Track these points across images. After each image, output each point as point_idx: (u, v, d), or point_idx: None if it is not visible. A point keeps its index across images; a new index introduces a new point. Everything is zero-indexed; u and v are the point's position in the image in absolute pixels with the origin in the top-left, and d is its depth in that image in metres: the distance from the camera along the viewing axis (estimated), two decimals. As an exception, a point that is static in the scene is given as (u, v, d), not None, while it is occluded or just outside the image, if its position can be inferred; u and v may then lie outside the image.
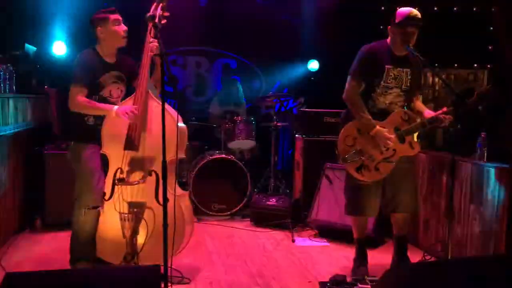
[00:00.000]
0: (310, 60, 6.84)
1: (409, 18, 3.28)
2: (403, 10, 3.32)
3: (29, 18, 5.62)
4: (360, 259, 3.66)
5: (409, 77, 3.42)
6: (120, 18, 3.35)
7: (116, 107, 3.25)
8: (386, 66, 3.36)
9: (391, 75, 3.37)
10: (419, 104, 3.60)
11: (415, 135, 3.48)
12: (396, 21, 3.31)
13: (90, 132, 3.33)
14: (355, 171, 3.45)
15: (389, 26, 3.39)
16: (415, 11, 3.32)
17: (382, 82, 3.37)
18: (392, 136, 3.39)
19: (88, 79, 3.25)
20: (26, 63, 5.13)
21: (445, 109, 3.35)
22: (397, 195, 3.52)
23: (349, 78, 3.45)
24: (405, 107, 3.56)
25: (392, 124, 3.43)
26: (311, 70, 6.87)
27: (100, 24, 3.31)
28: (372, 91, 3.41)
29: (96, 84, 3.31)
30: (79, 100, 3.21)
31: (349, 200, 3.62)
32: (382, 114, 3.44)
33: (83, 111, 3.28)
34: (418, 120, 3.44)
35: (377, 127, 3.37)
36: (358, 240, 3.69)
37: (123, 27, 3.34)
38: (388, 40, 3.44)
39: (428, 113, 3.48)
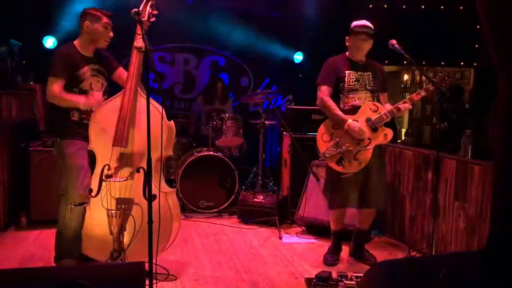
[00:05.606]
0: (297, 53, 6.86)
1: (360, 27, 3.73)
2: (359, 22, 3.76)
3: (15, 13, 5.55)
4: (335, 249, 3.95)
5: (372, 79, 3.81)
6: (111, 24, 3.37)
7: (84, 98, 3.24)
8: (346, 71, 3.77)
9: (352, 78, 3.76)
10: (384, 101, 3.88)
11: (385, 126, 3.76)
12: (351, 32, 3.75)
13: (75, 127, 3.32)
14: (335, 164, 3.72)
15: (347, 37, 3.79)
16: (364, 22, 3.76)
17: (345, 85, 3.75)
18: (365, 128, 3.67)
19: (66, 72, 3.23)
20: (11, 59, 5.08)
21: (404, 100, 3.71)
22: (367, 190, 3.77)
23: (318, 86, 3.84)
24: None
25: (363, 115, 3.72)
26: (296, 62, 6.88)
27: (91, 19, 3.31)
28: (340, 93, 3.79)
29: (75, 76, 3.29)
30: (54, 90, 3.19)
31: (332, 194, 3.85)
32: (354, 110, 3.75)
33: (58, 102, 3.25)
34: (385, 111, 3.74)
35: (349, 120, 3.65)
36: (335, 232, 3.96)
37: (109, 33, 3.37)
38: (347, 51, 3.86)
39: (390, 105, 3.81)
